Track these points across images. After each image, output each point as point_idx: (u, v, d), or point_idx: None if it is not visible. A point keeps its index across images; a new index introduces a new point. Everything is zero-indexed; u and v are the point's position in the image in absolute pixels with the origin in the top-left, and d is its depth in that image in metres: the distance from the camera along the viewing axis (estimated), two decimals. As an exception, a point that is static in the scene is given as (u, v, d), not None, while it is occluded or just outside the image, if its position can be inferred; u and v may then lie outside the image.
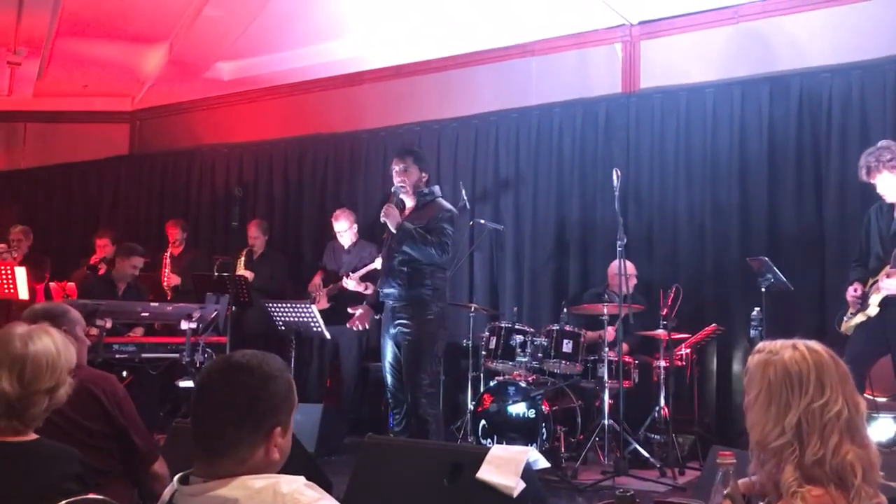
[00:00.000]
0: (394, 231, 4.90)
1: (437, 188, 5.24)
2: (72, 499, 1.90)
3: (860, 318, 4.72)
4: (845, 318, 4.82)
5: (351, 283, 6.55)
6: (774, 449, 1.82)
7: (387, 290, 5.02)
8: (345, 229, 6.96)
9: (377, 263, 6.35)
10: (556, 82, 7.08)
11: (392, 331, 4.98)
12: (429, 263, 4.89)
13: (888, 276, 4.59)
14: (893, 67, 5.76)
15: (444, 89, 7.66)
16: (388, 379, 5.06)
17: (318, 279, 7.05)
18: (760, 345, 1.95)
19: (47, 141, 9.77)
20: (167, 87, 8.71)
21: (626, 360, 5.68)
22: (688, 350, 5.71)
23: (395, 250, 4.94)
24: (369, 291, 6.64)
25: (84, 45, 7.72)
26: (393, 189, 5.08)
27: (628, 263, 5.59)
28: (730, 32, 6.41)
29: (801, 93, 6.03)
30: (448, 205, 5.12)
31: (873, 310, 4.65)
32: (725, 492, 1.54)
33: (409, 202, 5.10)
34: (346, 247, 7.00)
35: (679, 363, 5.69)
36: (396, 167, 5.09)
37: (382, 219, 4.96)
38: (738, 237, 6.15)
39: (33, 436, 2.11)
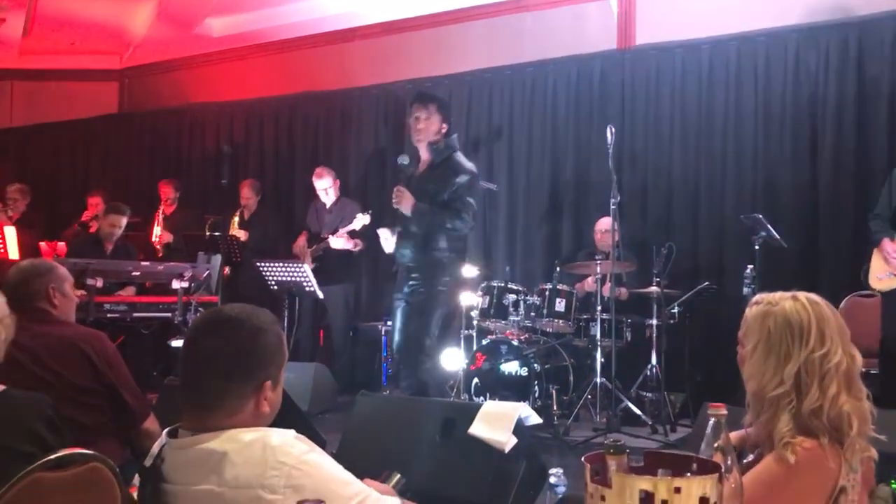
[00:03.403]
0: (409, 215, 4.71)
1: (455, 139, 4.96)
2: (60, 452, 1.89)
3: None
4: (881, 276, 4.71)
5: (340, 242, 6.52)
6: (772, 399, 1.81)
7: (402, 251, 4.90)
8: (328, 186, 6.90)
9: (356, 223, 6.34)
10: (551, 38, 6.98)
11: (406, 290, 4.89)
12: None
13: None
14: (892, 23, 5.69)
15: (436, 46, 7.56)
16: (398, 339, 5.00)
17: (302, 240, 7.00)
18: (758, 296, 1.93)
19: (35, 99, 9.63)
20: (156, 44, 8.59)
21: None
22: (680, 308, 5.71)
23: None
24: (359, 248, 6.64)
25: (70, 1, 7.58)
26: (399, 163, 4.87)
27: (609, 220, 5.53)
28: (726, -13, 6.33)
29: (798, 49, 5.97)
30: (467, 164, 4.87)
31: None
32: (716, 444, 1.53)
33: (424, 155, 4.89)
34: (327, 206, 6.95)
35: (671, 321, 5.70)
36: (419, 114, 4.81)
37: (395, 205, 4.72)
38: (732, 195, 6.13)
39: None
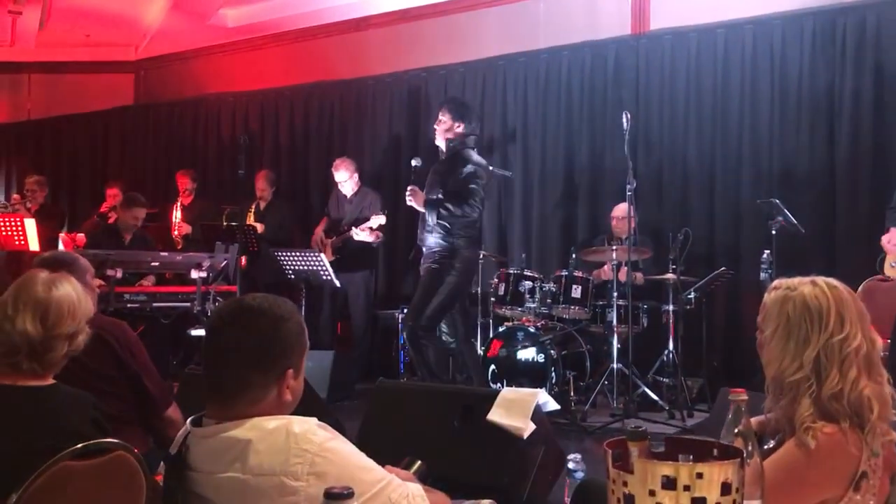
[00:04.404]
0: (422, 210, 5.25)
1: (470, 139, 5.38)
2: (87, 442, 1.92)
3: None
4: (893, 264, 4.81)
5: (363, 235, 6.56)
6: (791, 383, 1.81)
7: (422, 237, 5.34)
8: (345, 179, 6.92)
9: (373, 222, 6.40)
10: (565, 25, 6.95)
11: (422, 272, 5.35)
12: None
13: None
14: (909, 4, 5.64)
15: (450, 33, 7.55)
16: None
17: (319, 231, 7.03)
18: (777, 282, 1.92)
19: (52, 92, 9.70)
20: (171, 35, 8.62)
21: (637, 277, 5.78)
22: (697, 294, 5.70)
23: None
24: (379, 240, 6.68)
25: (85, -8, 7.63)
26: (413, 165, 5.47)
27: (625, 206, 5.56)
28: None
29: (814, 31, 5.91)
30: (475, 157, 5.30)
31: None
32: (737, 430, 1.53)
33: (443, 149, 5.41)
34: (348, 196, 6.98)
35: (688, 307, 5.69)
36: (439, 115, 5.45)
37: (409, 203, 5.30)
38: (748, 180, 6.10)
39: (51, 380, 2.13)
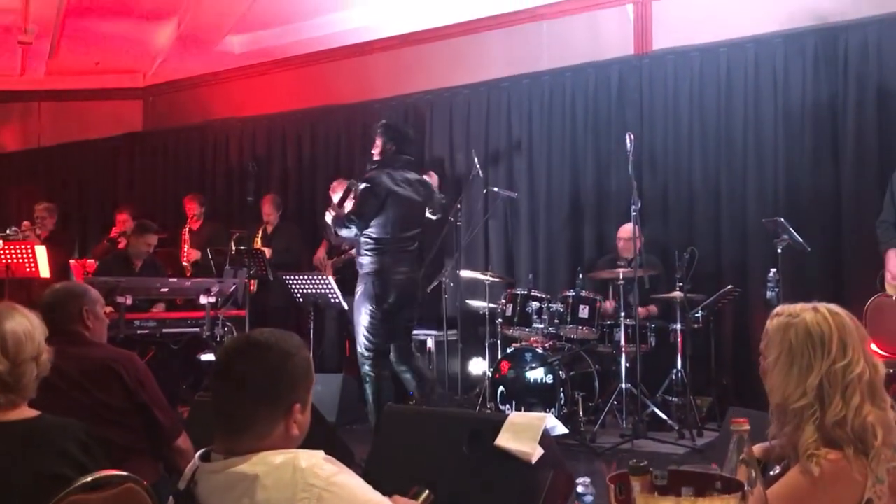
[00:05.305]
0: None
1: (393, 158, 5.31)
2: (97, 474, 1.94)
3: None
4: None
5: None
6: (795, 410, 1.82)
7: None
8: None
9: None
10: (568, 46, 6.99)
11: None
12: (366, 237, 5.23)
13: None
14: (911, 21, 5.65)
15: (454, 56, 7.60)
16: None
17: (321, 252, 7.05)
18: (779, 308, 1.94)
19: (62, 119, 9.79)
20: (178, 62, 8.69)
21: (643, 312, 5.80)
22: (704, 312, 5.70)
23: None
24: None
25: (93, 22, 7.70)
26: (349, 186, 5.50)
27: (631, 226, 5.60)
28: (743, -11, 6.31)
29: (816, 49, 5.93)
30: (377, 175, 5.24)
31: None
32: (740, 458, 1.54)
33: None
34: None
35: (696, 326, 5.69)
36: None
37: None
38: (753, 198, 6.10)
39: (32, 412, 2.16)
